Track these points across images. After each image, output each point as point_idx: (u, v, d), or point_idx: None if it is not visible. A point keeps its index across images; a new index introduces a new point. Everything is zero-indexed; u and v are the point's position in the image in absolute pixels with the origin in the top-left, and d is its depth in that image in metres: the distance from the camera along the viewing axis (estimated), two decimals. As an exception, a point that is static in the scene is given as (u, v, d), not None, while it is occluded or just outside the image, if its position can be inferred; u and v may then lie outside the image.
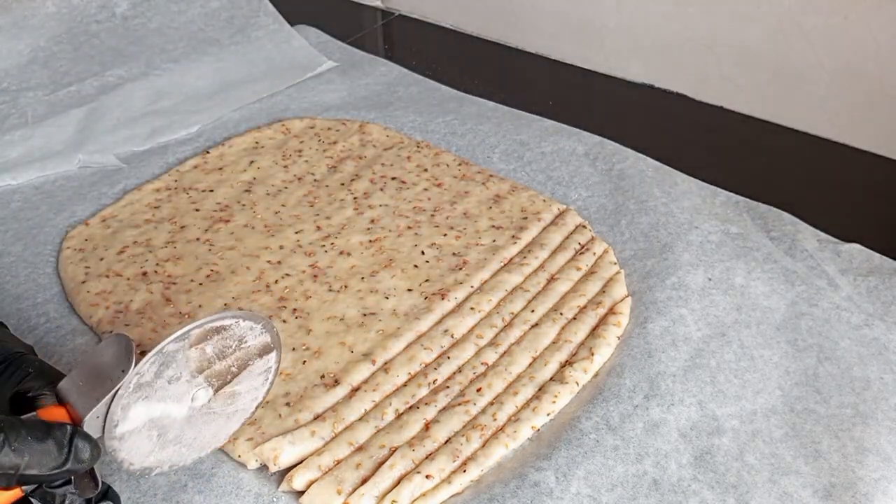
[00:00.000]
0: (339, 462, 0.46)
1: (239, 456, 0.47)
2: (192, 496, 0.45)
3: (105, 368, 0.38)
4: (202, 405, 0.42)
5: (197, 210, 0.66)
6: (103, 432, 0.38)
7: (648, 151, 0.71)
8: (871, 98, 0.72)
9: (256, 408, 0.44)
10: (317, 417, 0.48)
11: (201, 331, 0.40)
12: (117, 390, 0.38)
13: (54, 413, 0.38)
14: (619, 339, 0.53)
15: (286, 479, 0.45)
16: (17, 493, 0.36)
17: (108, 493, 0.44)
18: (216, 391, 0.42)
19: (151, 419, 0.40)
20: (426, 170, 0.69)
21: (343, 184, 0.68)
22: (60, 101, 0.82)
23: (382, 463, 0.46)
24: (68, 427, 0.36)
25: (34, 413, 0.38)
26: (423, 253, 0.60)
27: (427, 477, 0.45)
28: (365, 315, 0.55)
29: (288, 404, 0.49)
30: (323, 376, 0.51)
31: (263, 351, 0.43)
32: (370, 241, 0.62)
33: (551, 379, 0.51)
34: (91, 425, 0.38)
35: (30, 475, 0.34)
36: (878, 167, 0.72)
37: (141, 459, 0.41)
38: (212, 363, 0.41)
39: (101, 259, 0.61)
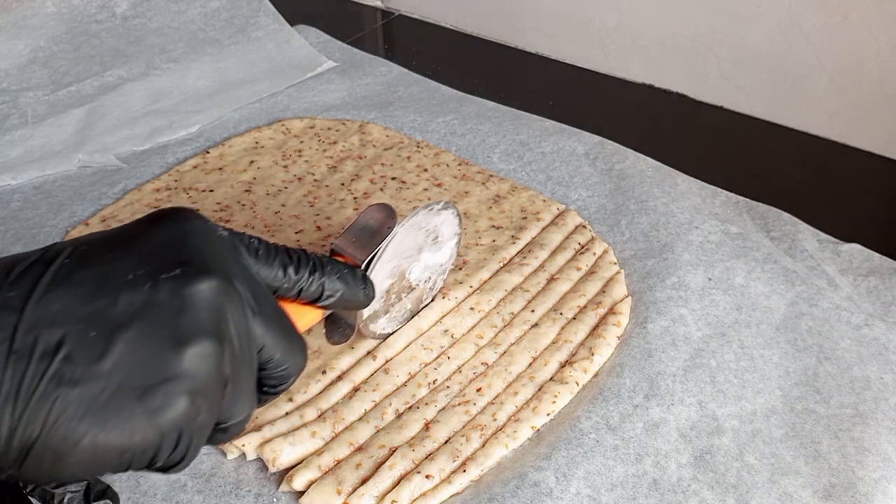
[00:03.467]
0: (339, 462, 0.46)
1: (242, 446, 0.47)
2: (192, 496, 0.45)
3: (373, 227, 0.47)
4: (414, 278, 0.51)
5: (197, 210, 0.66)
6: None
7: (648, 151, 0.71)
8: (871, 98, 0.72)
9: (434, 296, 0.55)
10: (318, 416, 0.48)
11: (430, 212, 0.49)
12: (389, 242, 0.46)
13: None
14: (619, 339, 0.53)
15: (286, 479, 0.45)
16: (320, 314, 0.42)
17: (107, 492, 0.44)
18: (423, 269, 0.51)
19: (391, 278, 0.48)
20: (426, 170, 0.69)
21: (343, 184, 0.68)
22: (60, 101, 0.82)
23: (382, 463, 0.46)
24: (360, 269, 0.44)
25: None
26: (423, 253, 0.60)
27: (427, 477, 0.45)
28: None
29: (290, 399, 0.49)
30: (324, 372, 0.51)
31: (453, 242, 0.54)
32: (370, 241, 0.62)
33: (551, 379, 0.51)
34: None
35: (343, 301, 0.42)
36: (878, 167, 0.72)
37: (371, 316, 0.49)
38: (426, 243, 0.50)
39: (101, 259, 0.61)
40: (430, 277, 0.53)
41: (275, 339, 0.35)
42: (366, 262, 0.45)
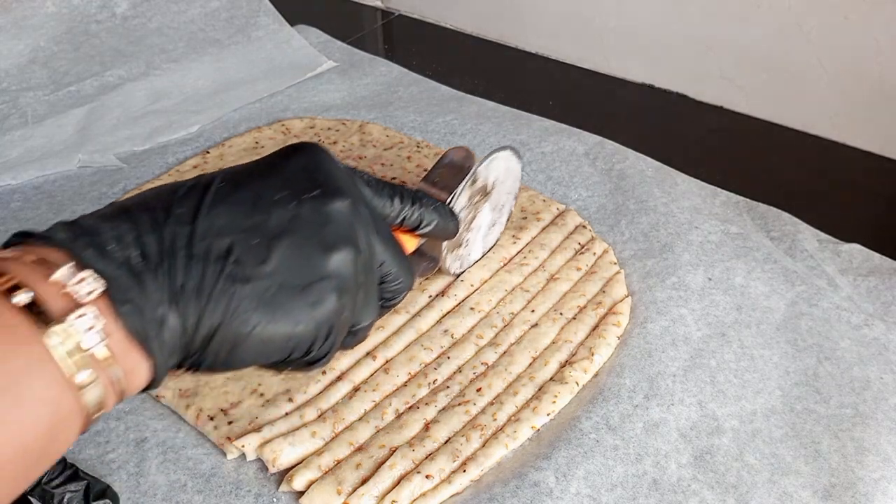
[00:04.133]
0: (339, 462, 0.46)
1: (242, 447, 0.47)
2: (192, 496, 0.45)
3: (456, 166, 0.53)
4: (481, 217, 0.55)
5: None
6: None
7: (648, 151, 0.71)
8: (871, 98, 0.72)
9: (495, 242, 0.59)
10: (318, 416, 0.48)
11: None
12: (468, 181, 0.50)
13: None
14: (619, 339, 0.53)
15: (286, 479, 0.45)
16: (415, 242, 0.47)
17: (106, 492, 0.44)
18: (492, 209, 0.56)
19: (467, 214, 0.52)
20: (426, 170, 0.69)
21: (343, 184, 0.68)
22: (60, 101, 0.82)
23: (382, 463, 0.46)
24: (447, 205, 0.49)
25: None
26: (423, 253, 0.60)
27: (427, 477, 0.45)
28: (365, 315, 0.55)
29: (290, 399, 0.49)
30: (324, 372, 0.51)
31: (513, 193, 0.58)
32: (370, 241, 0.62)
33: (551, 379, 0.51)
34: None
35: (438, 230, 0.46)
36: (878, 167, 0.72)
37: (451, 248, 0.54)
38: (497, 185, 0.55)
39: (101, 259, 0.61)
40: (498, 213, 0.58)
41: (392, 256, 0.40)
42: (449, 199, 0.49)
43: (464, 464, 0.46)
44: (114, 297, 0.31)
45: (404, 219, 0.44)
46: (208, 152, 0.73)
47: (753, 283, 0.57)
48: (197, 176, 0.37)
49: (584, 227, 0.63)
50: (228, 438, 0.47)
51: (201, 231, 0.34)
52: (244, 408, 0.49)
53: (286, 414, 0.49)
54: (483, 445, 0.47)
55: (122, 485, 0.45)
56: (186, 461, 0.47)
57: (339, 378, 0.51)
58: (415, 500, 0.44)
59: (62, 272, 0.30)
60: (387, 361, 0.52)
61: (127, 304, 0.31)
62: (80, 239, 0.32)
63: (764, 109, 0.79)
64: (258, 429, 0.47)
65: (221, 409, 0.49)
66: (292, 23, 0.94)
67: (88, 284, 0.30)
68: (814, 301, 0.55)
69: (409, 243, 0.46)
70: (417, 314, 0.55)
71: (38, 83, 0.84)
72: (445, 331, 0.54)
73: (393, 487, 0.45)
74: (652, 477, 0.45)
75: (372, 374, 0.51)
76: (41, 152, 0.75)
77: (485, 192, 0.53)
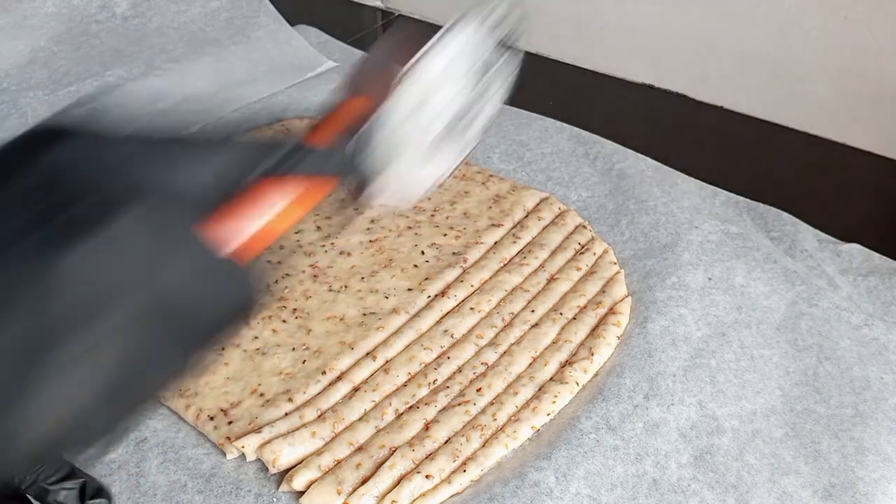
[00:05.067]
0: (339, 462, 0.46)
1: (242, 447, 0.47)
2: (192, 496, 0.45)
3: (377, 68, 0.37)
4: (455, 115, 0.39)
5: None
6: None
7: (648, 151, 0.71)
8: (871, 98, 0.72)
9: (468, 154, 0.41)
10: (318, 416, 0.48)
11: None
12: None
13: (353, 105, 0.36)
14: (619, 339, 0.53)
15: (286, 479, 0.45)
16: (305, 209, 0.35)
17: (101, 491, 0.44)
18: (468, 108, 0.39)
19: (430, 109, 0.37)
20: (426, 170, 0.69)
21: (343, 184, 0.68)
22: (60, 101, 0.82)
23: (382, 463, 0.46)
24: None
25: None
26: (422, 253, 0.60)
27: (427, 477, 0.45)
28: (365, 315, 0.55)
29: (290, 400, 0.49)
30: (324, 372, 0.51)
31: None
32: (370, 240, 0.62)
33: (551, 379, 0.51)
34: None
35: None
36: (878, 167, 0.72)
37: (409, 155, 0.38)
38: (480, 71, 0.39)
39: (101, 259, 0.61)
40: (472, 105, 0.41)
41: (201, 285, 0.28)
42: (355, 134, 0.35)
43: (464, 464, 0.46)
44: None
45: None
46: (208, 152, 0.73)
47: (753, 283, 0.57)
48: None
49: (584, 227, 0.63)
50: (228, 438, 0.47)
51: None
52: (244, 408, 0.49)
53: (286, 414, 0.49)
54: (483, 445, 0.47)
55: (122, 485, 0.45)
56: (186, 461, 0.47)
57: (339, 378, 0.51)
58: (415, 500, 0.44)
59: None
60: (387, 361, 0.52)
61: None
62: None
63: (764, 109, 0.79)
64: (258, 429, 0.47)
65: (221, 409, 0.49)
66: (292, 23, 0.94)
67: None
68: (814, 301, 0.55)
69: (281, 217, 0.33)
70: (417, 314, 0.55)
71: (38, 83, 0.84)
72: (445, 331, 0.54)
73: (393, 487, 0.45)
74: (652, 477, 0.45)
75: (372, 374, 0.51)
76: (41, 152, 0.75)
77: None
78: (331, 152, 0.35)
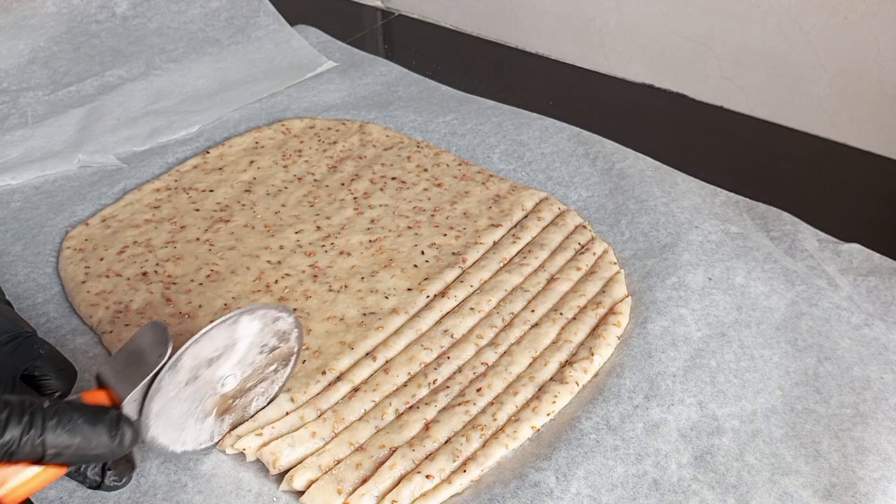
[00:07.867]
0: (339, 462, 0.46)
1: (243, 449, 0.47)
2: (192, 496, 0.45)
3: (143, 354, 0.41)
4: (229, 390, 0.45)
5: (197, 210, 0.66)
6: (140, 414, 0.40)
7: (648, 151, 0.71)
8: (871, 98, 0.72)
9: (267, 403, 0.48)
10: (318, 416, 0.48)
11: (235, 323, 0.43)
12: (155, 374, 0.40)
13: (97, 396, 0.40)
14: (619, 339, 0.53)
15: (286, 479, 0.45)
16: (61, 471, 0.37)
17: (100, 485, 0.45)
18: (243, 380, 0.45)
19: (182, 400, 0.42)
20: (426, 170, 0.69)
21: (343, 184, 0.68)
22: (60, 101, 0.82)
23: (382, 463, 0.46)
24: (114, 411, 0.38)
25: (78, 396, 0.40)
26: (422, 253, 0.60)
27: (427, 477, 0.45)
28: (365, 315, 0.55)
29: (291, 399, 0.49)
30: (324, 372, 0.51)
31: (286, 357, 0.47)
32: (370, 241, 0.62)
33: (551, 379, 0.51)
34: (129, 408, 0.40)
35: (79, 455, 0.36)
36: (878, 167, 0.72)
37: (169, 438, 0.43)
38: (246, 355, 0.44)
39: (101, 259, 0.61)
40: (257, 375, 0.46)
41: None
42: (126, 399, 0.40)
43: (464, 464, 0.46)
44: None
45: (11, 453, 0.34)
46: (208, 152, 0.73)
47: (753, 283, 0.57)
48: None
49: (584, 227, 0.63)
50: (228, 438, 0.47)
51: None
52: (244, 408, 0.49)
53: (286, 414, 0.49)
54: (483, 445, 0.47)
55: (122, 485, 0.46)
56: (187, 461, 0.47)
57: (339, 378, 0.51)
58: (415, 500, 0.44)
59: None
60: (387, 362, 0.52)
61: None
62: None
63: (764, 109, 0.79)
64: (258, 430, 0.47)
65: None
66: (292, 23, 0.94)
67: None
68: (814, 301, 0.55)
69: (42, 476, 0.36)
70: (417, 314, 0.55)
71: (38, 83, 0.84)
72: (445, 331, 0.54)
73: (393, 487, 0.45)
74: (652, 477, 0.45)
75: (372, 375, 0.51)
76: (41, 152, 0.75)
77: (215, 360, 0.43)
78: (101, 407, 0.38)
